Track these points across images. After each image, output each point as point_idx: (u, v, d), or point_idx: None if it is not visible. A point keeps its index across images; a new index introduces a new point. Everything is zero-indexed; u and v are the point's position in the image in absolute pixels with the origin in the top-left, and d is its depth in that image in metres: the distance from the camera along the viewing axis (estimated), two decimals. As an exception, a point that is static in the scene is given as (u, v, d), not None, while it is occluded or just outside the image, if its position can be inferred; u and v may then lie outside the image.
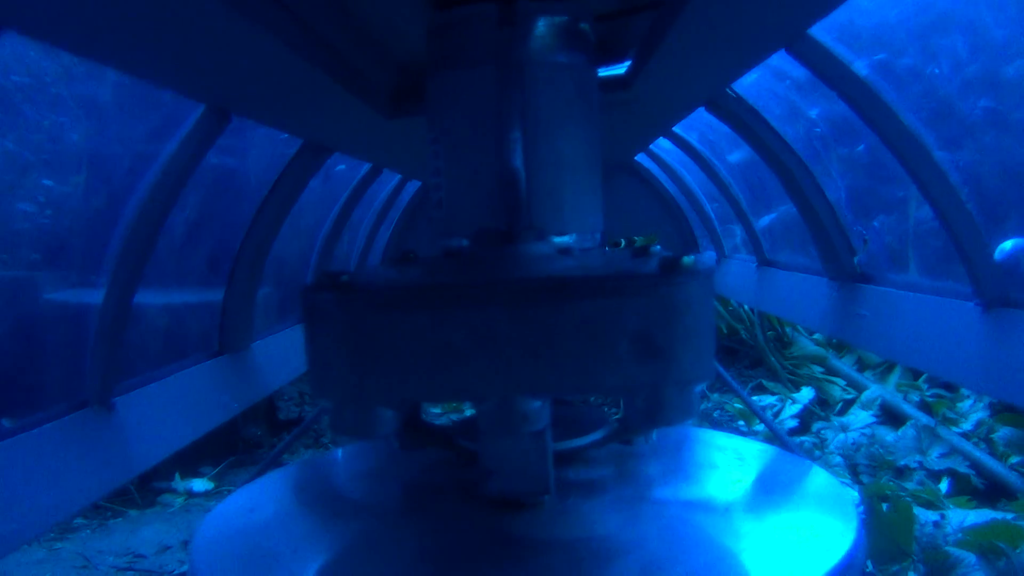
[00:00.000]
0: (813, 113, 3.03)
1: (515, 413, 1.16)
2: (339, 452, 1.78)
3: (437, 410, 6.71)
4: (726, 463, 1.53)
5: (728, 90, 2.83)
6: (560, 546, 1.19)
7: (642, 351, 1.11)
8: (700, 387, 1.17)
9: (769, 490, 1.43)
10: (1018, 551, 3.31)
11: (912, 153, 1.94)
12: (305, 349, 1.20)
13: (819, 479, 1.45)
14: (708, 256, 5.52)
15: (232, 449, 7.61)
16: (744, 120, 2.96)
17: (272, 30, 1.47)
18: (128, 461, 2.12)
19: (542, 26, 1.45)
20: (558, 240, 1.46)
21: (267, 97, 2.07)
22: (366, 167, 4.01)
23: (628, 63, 2.35)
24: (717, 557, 1.16)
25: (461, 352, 1.11)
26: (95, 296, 2.39)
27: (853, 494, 1.33)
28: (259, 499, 1.52)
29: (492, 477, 1.23)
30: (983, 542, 3.20)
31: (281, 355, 3.49)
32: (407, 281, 1.22)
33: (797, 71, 2.46)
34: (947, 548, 3.26)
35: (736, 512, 1.29)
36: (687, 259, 1.13)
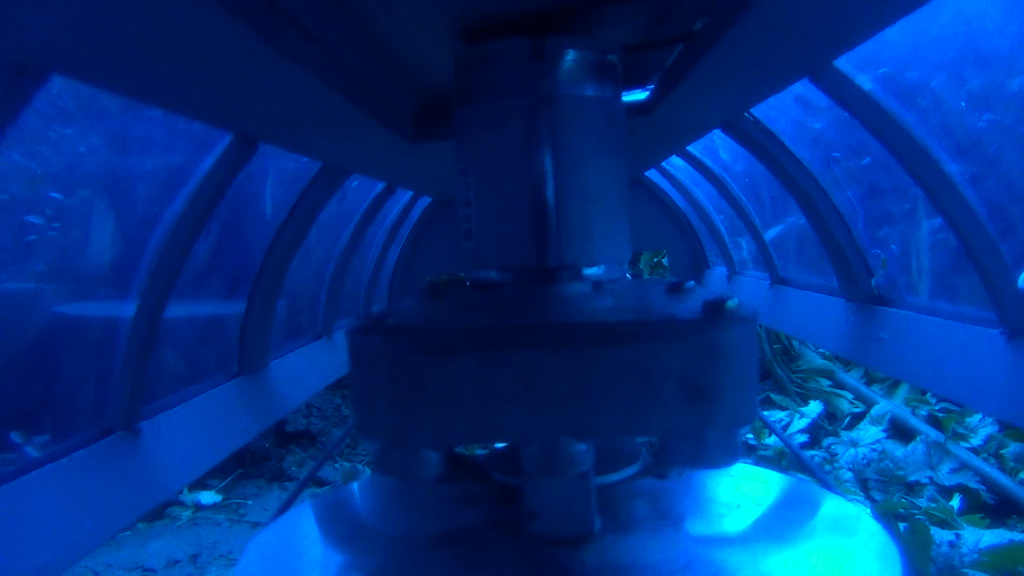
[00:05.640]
0: (830, 134, 3.04)
1: (561, 455, 1.16)
2: (366, 483, 1.78)
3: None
4: (756, 496, 1.53)
5: (746, 113, 2.84)
6: None
7: (687, 395, 1.11)
8: (744, 430, 1.18)
9: (800, 524, 1.43)
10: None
11: (939, 186, 1.95)
12: (351, 390, 1.20)
13: (842, 509, 1.45)
14: (720, 271, 5.52)
15: (240, 462, 7.62)
16: (760, 142, 2.97)
17: (304, 63, 1.48)
18: (153, 487, 2.12)
19: (571, 60, 1.46)
20: (588, 272, 1.47)
21: (294, 125, 2.09)
22: (381, 185, 4.03)
23: (650, 88, 2.36)
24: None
25: (507, 395, 1.12)
26: (104, 309, 2.39)
27: (887, 536, 1.34)
28: (292, 532, 1.53)
29: (535, 518, 1.24)
30: (1002, 567, 3.18)
31: (297, 374, 3.49)
32: (451, 322, 1.23)
33: (817, 96, 2.46)
34: (964, 571, 3.27)
35: (769, 545, 1.29)
36: (731, 303, 1.14)
